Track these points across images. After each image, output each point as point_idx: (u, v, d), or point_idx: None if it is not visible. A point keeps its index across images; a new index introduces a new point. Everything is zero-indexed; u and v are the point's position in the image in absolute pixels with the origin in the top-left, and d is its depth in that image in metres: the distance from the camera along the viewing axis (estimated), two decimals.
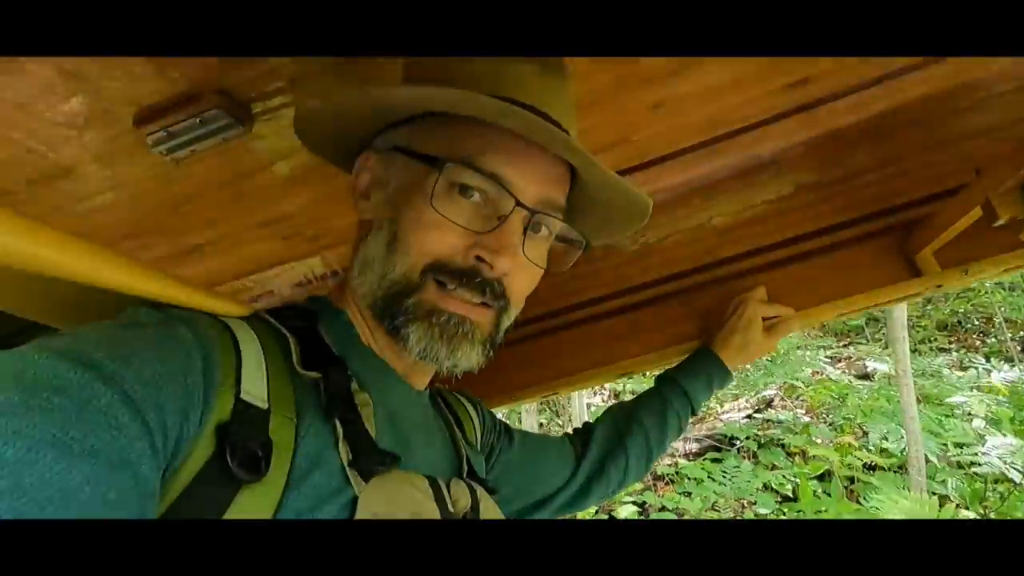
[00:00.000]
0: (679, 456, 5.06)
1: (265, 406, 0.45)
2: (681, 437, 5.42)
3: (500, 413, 1.02)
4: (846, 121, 0.86)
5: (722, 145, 0.88)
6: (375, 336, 0.59)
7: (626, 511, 4.15)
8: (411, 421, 0.59)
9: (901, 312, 4.53)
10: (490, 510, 0.57)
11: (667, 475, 4.79)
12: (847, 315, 1.00)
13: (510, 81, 0.54)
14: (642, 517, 4.31)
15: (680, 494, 4.52)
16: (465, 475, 0.64)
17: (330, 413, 0.49)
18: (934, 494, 3.75)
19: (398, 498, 0.48)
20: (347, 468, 0.46)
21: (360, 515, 0.44)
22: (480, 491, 0.58)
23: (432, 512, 0.49)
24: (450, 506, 0.52)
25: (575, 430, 1.00)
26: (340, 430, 0.48)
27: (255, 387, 0.45)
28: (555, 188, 0.57)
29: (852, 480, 4.38)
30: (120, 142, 0.67)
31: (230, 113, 0.62)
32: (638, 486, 4.53)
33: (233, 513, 0.40)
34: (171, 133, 0.63)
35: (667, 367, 1.03)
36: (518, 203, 0.53)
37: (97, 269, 0.40)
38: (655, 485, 4.75)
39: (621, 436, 0.95)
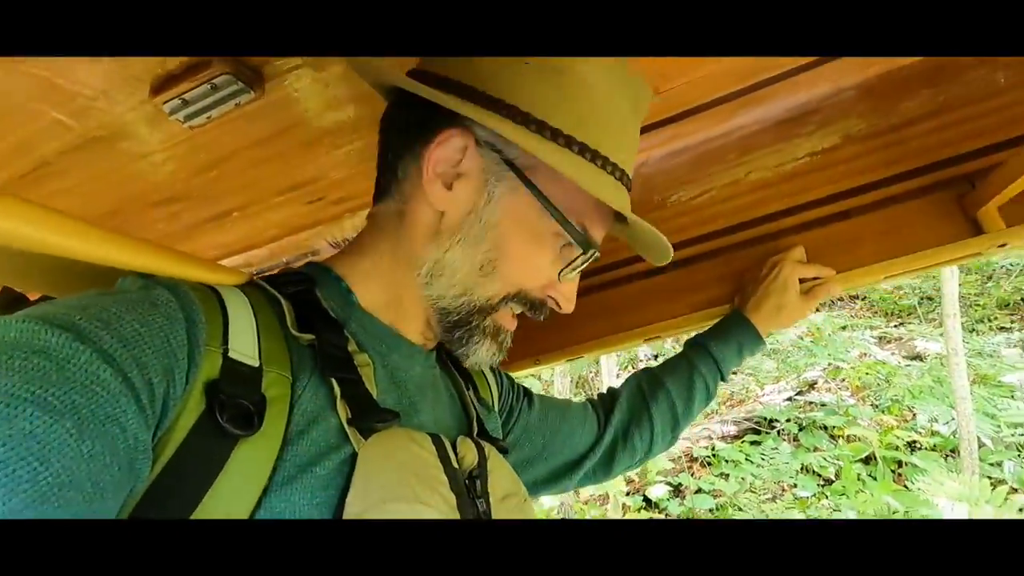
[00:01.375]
0: (716, 439, 4.96)
1: (256, 364, 0.46)
2: (719, 420, 5.33)
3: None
4: (901, 62, 0.79)
5: (762, 92, 0.82)
6: (386, 304, 0.59)
7: (659, 491, 4.11)
8: (416, 382, 0.60)
9: (953, 288, 4.28)
10: (498, 468, 0.57)
11: (703, 457, 4.71)
12: (896, 277, 0.92)
13: (616, 140, 0.57)
14: (676, 498, 4.26)
15: (717, 476, 4.45)
16: (475, 434, 0.64)
17: (326, 373, 0.49)
18: (988, 477, 3.57)
19: (398, 453, 0.48)
20: (346, 425, 0.47)
21: (359, 471, 0.45)
22: (489, 449, 0.58)
23: (435, 467, 0.49)
24: (454, 462, 0.52)
25: (599, 395, 0.97)
26: (338, 389, 0.48)
27: (244, 346, 0.46)
28: None
29: (900, 463, 4.20)
30: (141, 111, 0.67)
31: (240, 78, 0.62)
32: (671, 464, 4.47)
33: (232, 466, 0.41)
34: (186, 101, 0.64)
35: (698, 332, 0.98)
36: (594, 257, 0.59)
37: (87, 246, 0.42)
38: (691, 467, 4.68)
39: (647, 403, 0.92)
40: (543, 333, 1.10)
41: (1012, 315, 6.31)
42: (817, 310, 6.85)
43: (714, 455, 4.64)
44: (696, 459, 4.67)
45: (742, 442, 4.82)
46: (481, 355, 0.61)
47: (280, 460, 0.43)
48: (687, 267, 1.03)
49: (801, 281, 0.93)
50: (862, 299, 7.33)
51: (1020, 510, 3.30)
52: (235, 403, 0.42)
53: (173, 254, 0.48)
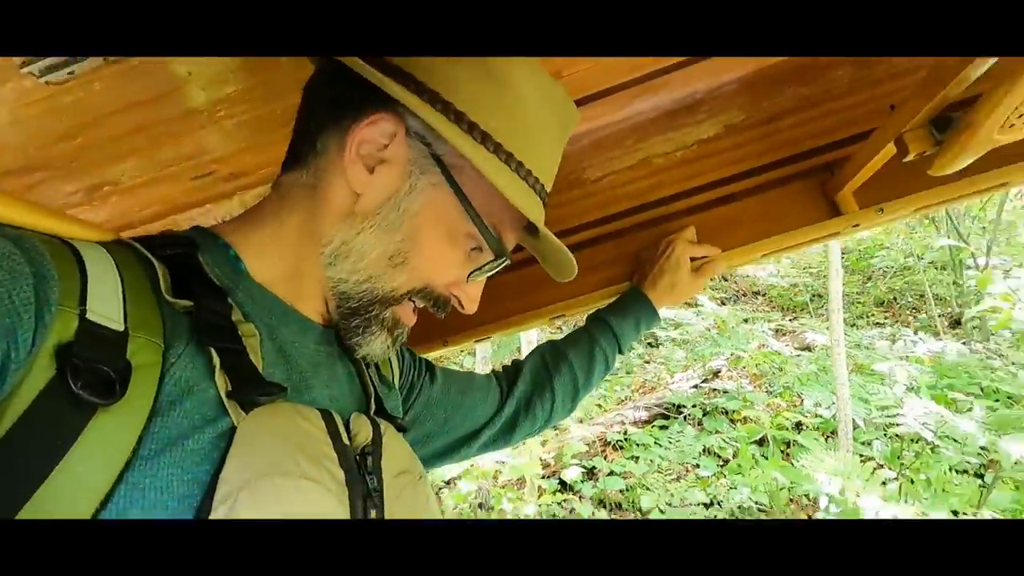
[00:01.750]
0: (628, 424, 5.21)
1: (120, 328, 0.42)
2: (632, 406, 5.60)
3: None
4: (771, 60, 0.87)
5: (657, 82, 0.88)
6: (284, 277, 0.57)
7: (573, 473, 4.26)
8: (310, 358, 0.58)
9: (838, 287, 4.74)
10: (394, 446, 0.56)
11: (616, 441, 4.93)
12: (771, 256, 1.03)
13: (541, 156, 0.59)
14: (590, 481, 4.44)
15: (628, 459, 4.67)
16: (372, 412, 0.63)
17: (204, 341, 0.46)
18: (860, 455, 4.00)
19: (283, 427, 0.46)
20: (225, 397, 0.45)
21: (237, 445, 0.43)
22: (386, 427, 0.57)
23: (324, 443, 0.47)
24: (345, 439, 0.50)
25: (504, 367, 1.01)
26: (217, 359, 0.46)
27: (106, 308, 0.42)
28: None
29: (788, 443, 4.61)
30: None
31: None
32: (585, 448, 4.65)
33: (88, 436, 0.38)
34: None
35: (599, 307, 1.04)
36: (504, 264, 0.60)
37: None
38: (604, 451, 4.88)
39: (550, 375, 0.96)
40: (452, 313, 1.11)
41: (886, 312, 7.07)
42: (723, 304, 7.36)
43: (626, 439, 4.87)
44: (609, 443, 4.89)
45: (652, 427, 5.10)
46: (375, 347, 0.60)
47: (147, 432, 0.41)
48: (590, 248, 1.09)
49: (692, 260, 1.00)
50: (763, 295, 7.94)
51: (883, 483, 3.72)
52: (92, 369, 0.39)
53: (21, 202, 0.44)
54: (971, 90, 0.60)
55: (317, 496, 0.43)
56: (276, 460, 0.43)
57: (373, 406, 0.64)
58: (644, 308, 1.01)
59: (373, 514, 0.47)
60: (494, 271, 0.61)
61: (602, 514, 4.15)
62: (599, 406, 5.49)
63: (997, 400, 4.49)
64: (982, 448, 3.67)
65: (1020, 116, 0.60)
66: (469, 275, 0.60)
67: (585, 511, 4.08)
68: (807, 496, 4.05)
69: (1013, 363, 5.20)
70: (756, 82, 0.90)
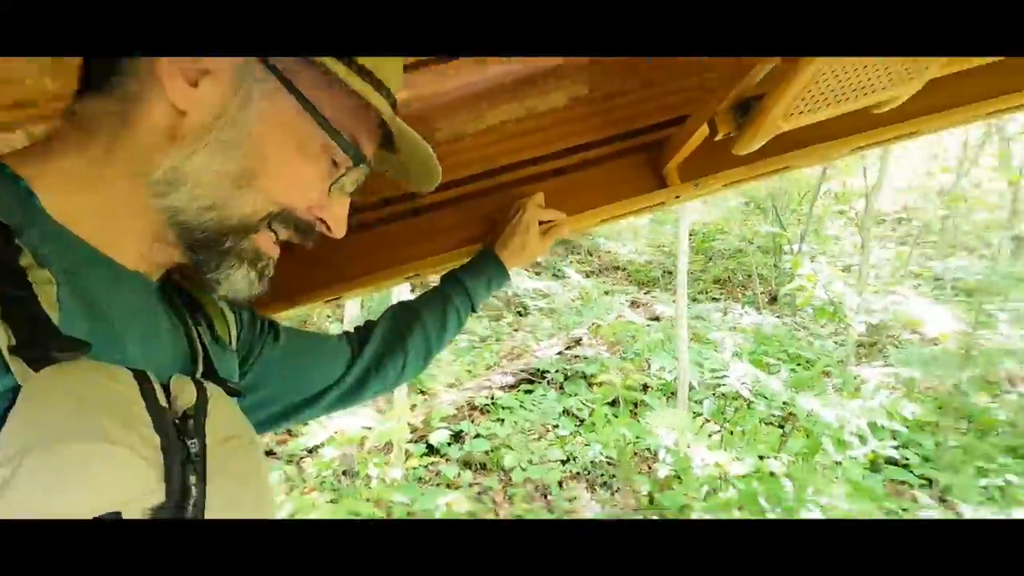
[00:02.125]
0: (496, 388, 5.41)
1: None
2: (500, 372, 5.84)
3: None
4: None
5: None
6: (91, 215, 0.50)
7: (440, 436, 4.36)
8: (123, 311, 0.51)
9: (684, 264, 5.30)
10: (221, 409, 0.52)
11: (483, 405, 5.11)
12: (609, 221, 1.13)
13: (384, 63, 0.55)
14: (457, 443, 4.56)
15: (494, 421, 4.87)
16: (200, 374, 0.58)
17: None
18: (694, 412, 4.57)
19: (84, 387, 0.41)
20: (6, 353, 0.38)
21: (21, 405, 0.38)
22: (213, 390, 0.53)
23: (136, 404, 0.43)
24: (163, 402, 0.46)
25: (356, 328, 1.00)
26: None
27: None
28: None
29: (636, 404, 5.12)
30: None
31: None
32: (453, 412, 4.76)
33: None
34: None
35: (453, 268, 1.07)
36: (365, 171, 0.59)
37: None
38: (472, 415, 5.04)
39: (402, 335, 0.97)
40: (300, 272, 1.07)
41: (721, 289, 8.05)
42: (587, 276, 7.86)
43: (493, 403, 5.07)
44: (477, 407, 5.05)
45: (518, 391, 5.35)
46: (237, 282, 0.56)
47: None
48: (442, 210, 1.11)
49: (540, 223, 1.07)
50: (623, 270, 8.60)
51: (709, 435, 4.29)
52: None
53: None
54: (767, 84, 0.71)
55: (125, 461, 0.40)
56: (73, 424, 0.39)
57: (201, 367, 0.59)
58: (496, 268, 1.05)
59: (193, 480, 0.44)
60: (357, 182, 0.59)
61: (467, 475, 4.30)
62: (469, 371, 5.63)
63: (798, 364, 5.36)
64: (784, 403, 4.39)
65: (799, 108, 0.72)
66: (331, 186, 0.57)
67: (451, 472, 4.20)
68: (648, 449, 4.55)
69: (812, 334, 6.23)
70: (601, 60, 0.97)
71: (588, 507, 4.09)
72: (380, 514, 3.52)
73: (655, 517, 3.84)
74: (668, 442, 4.21)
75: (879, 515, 3.58)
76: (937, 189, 9.03)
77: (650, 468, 4.61)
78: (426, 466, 4.29)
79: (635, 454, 4.83)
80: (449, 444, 4.49)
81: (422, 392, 5.22)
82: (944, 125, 1.01)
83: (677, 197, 1.04)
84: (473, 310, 1.06)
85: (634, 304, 7.12)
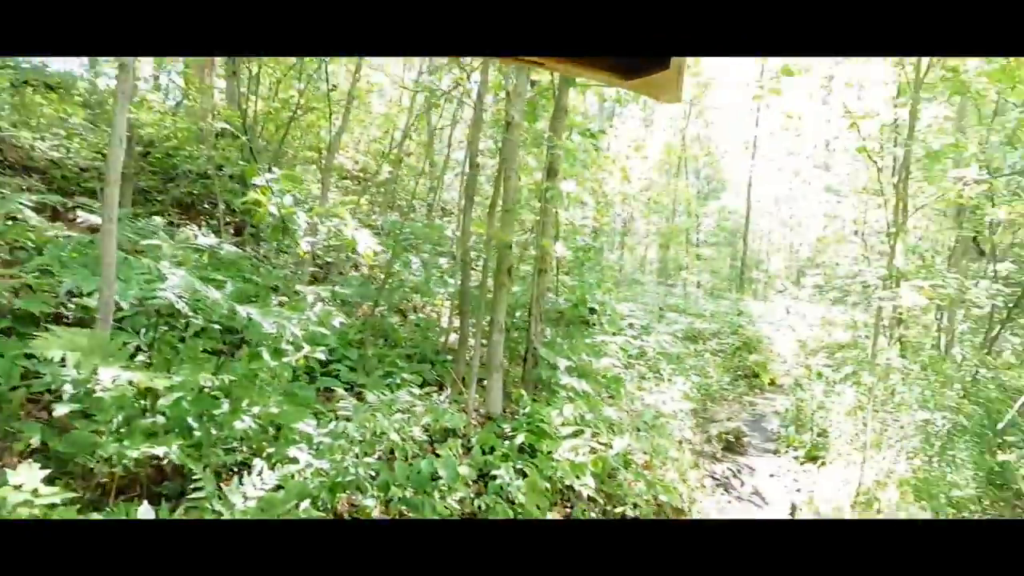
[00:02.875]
0: None
1: None
2: None
3: None
4: None
5: None
6: None
7: None
8: None
9: (117, 167, 4.35)
10: None
11: None
12: None
13: None
14: None
15: None
16: None
17: None
18: (121, 330, 3.81)
19: None
20: None
21: None
22: None
23: None
24: None
25: None
26: None
27: None
28: None
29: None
30: None
31: None
32: None
33: None
34: None
35: None
36: None
37: None
38: None
39: None
40: None
41: (183, 213, 7.22)
42: None
43: None
44: None
45: None
46: None
47: None
48: None
49: None
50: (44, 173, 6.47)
51: (132, 356, 3.66)
52: None
53: None
54: None
55: None
56: None
57: None
58: None
59: None
60: None
61: None
62: None
63: (247, 282, 5.32)
64: (224, 315, 4.20)
65: None
66: None
67: None
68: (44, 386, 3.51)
69: (273, 264, 6.36)
70: None
71: None
72: None
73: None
74: (72, 373, 3.35)
75: (310, 418, 3.91)
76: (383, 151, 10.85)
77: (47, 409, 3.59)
78: None
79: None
80: None
81: None
82: None
83: None
84: None
85: (45, 207, 5.44)
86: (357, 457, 3.48)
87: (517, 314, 7.15)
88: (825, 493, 5.56)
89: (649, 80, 0.85)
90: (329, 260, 8.29)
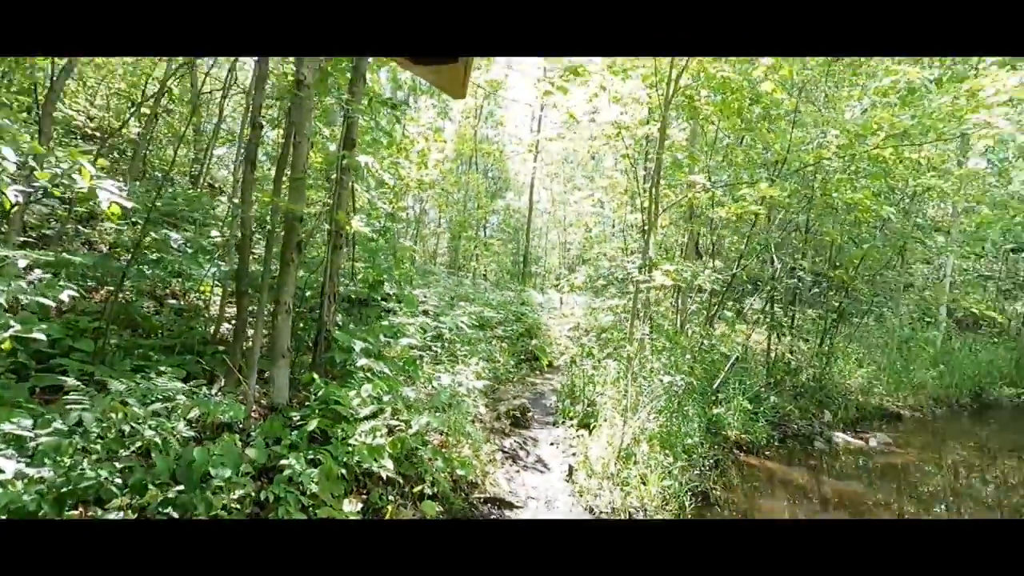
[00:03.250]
0: None
1: None
2: None
3: None
4: None
5: None
6: None
7: None
8: None
9: None
10: None
11: None
12: None
13: None
14: None
15: None
16: None
17: None
18: None
19: None
20: None
21: None
22: None
23: None
24: None
25: None
26: None
27: None
28: None
29: None
30: None
31: None
32: None
33: None
34: None
35: None
36: None
37: None
38: None
39: None
40: None
41: None
42: None
43: None
44: None
45: None
46: None
47: None
48: None
49: None
50: None
51: None
52: None
53: None
54: None
55: None
56: None
57: None
58: None
59: None
60: None
61: None
62: None
63: None
64: None
65: None
66: None
67: None
68: None
69: None
70: None
71: None
72: None
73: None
74: None
75: (24, 417, 2.99)
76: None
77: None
78: None
79: None
80: None
81: None
82: None
83: None
84: None
85: None
86: (99, 459, 2.77)
87: (307, 294, 6.57)
88: (595, 454, 6.30)
89: (438, 70, 0.83)
90: (48, 232, 6.54)
